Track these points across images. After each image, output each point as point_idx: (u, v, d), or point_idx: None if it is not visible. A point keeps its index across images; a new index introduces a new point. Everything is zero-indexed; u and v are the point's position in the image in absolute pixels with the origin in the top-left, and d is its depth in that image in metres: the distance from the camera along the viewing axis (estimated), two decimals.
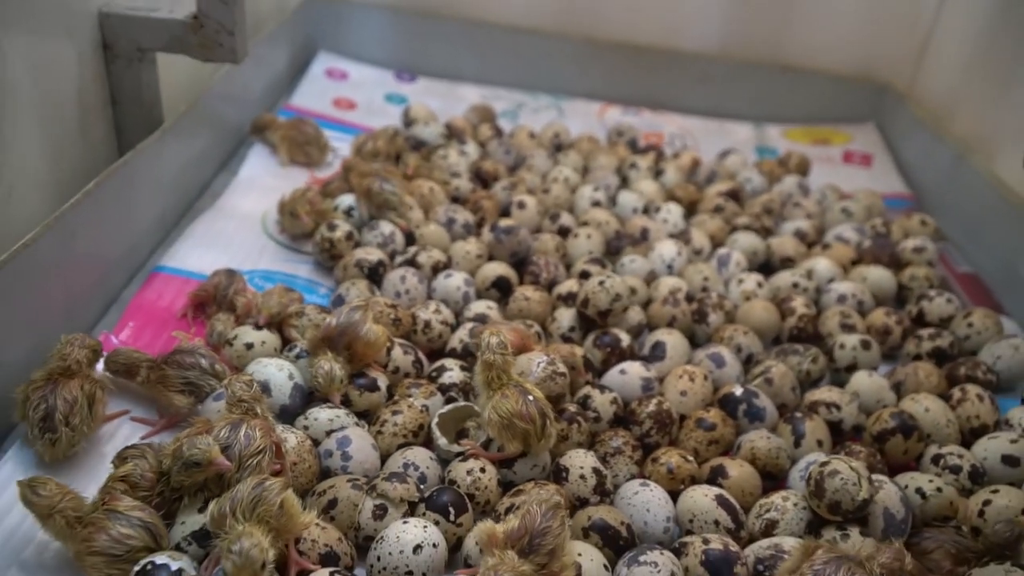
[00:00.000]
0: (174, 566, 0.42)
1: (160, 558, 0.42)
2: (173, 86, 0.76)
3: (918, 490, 0.53)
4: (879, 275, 0.75)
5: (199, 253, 0.69)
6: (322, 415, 0.54)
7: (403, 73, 1.11)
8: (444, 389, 0.58)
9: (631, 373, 0.61)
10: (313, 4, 1.08)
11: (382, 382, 0.57)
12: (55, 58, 0.62)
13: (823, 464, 0.51)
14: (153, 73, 0.69)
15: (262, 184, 0.81)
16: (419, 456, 0.52)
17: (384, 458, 0.53)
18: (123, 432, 0.53)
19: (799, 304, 0.70)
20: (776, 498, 0.52)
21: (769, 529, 0.51)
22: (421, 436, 0.55)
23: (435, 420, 0.55)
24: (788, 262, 0.78)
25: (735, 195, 0.87)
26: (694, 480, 0.54)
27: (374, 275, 0.68)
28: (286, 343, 0.60)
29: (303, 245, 0.74)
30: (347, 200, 0.76)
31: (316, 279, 0.71)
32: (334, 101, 1.02)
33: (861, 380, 0.63)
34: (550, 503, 0.44)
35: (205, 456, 0.44)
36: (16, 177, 0.58)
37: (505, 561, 0.41)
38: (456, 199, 0.82)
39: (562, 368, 0.57)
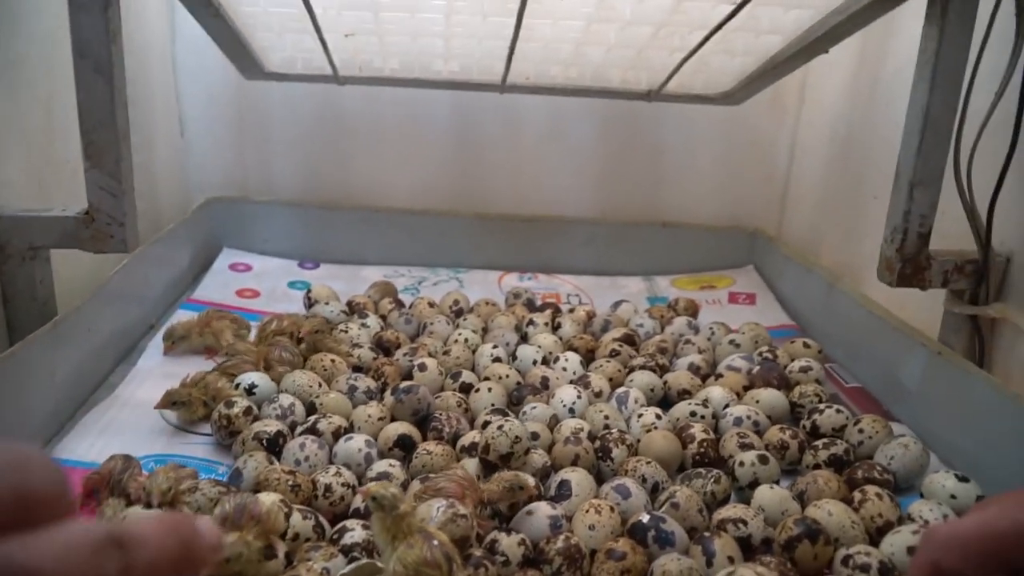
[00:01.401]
0: None
1: None
2: (71, 281, 0.77)
3: None
4: (771, 396, 0.78)
5: (92, 442, 0.67)
6: None
7: (306, 262, 1.15)
8: (347, 550, 0.56)
9: (538, 513, 0.61)
10: (214, 203, 1.13)
11: (280, 548, 0.55)
12: None
13: (730, 574, 0.50)
14: (47, 269, 0.70)
15: (162, 371, 0.80)
16: None
17: None
18: None
19: (698, 431, 0.72)
20: None
21: None
22: None
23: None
24: (685, 394, 0.80)
25: (630, 340, 0.91)
26: None
27: (273, 447, 0.67)
28: None
29: (200, 428, 0.73)
30: (249, 377, 0.76)
31: (214, 458, 0.69)
32: (237, 292, 1.04)
33: (764, 493, 0.64)
34: None
35: None
36: None
37: None
38: (358, 368, 0.83)
39: (463, 510, 0.56)
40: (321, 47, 0.86)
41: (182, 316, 0.90)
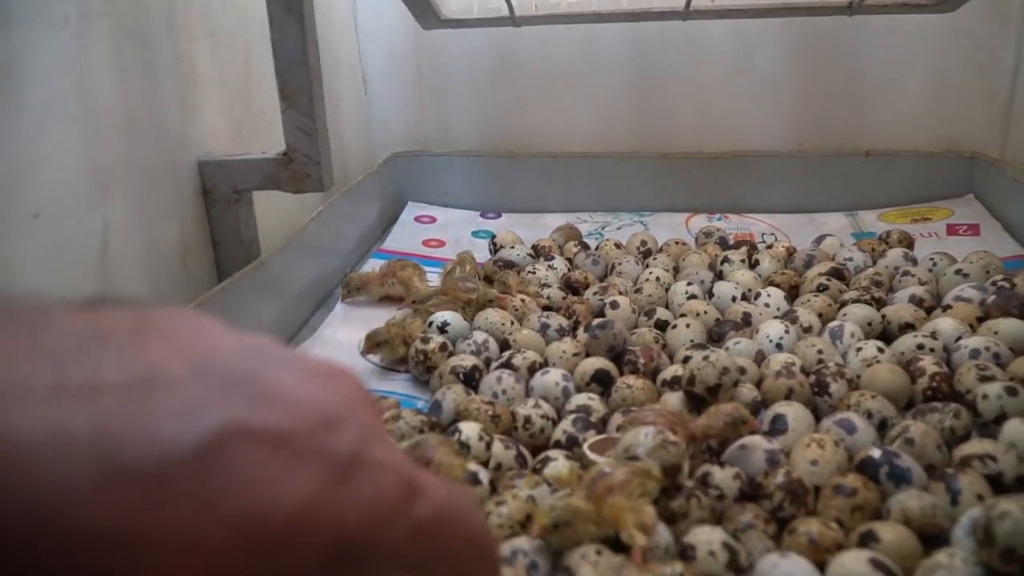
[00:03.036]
0: None
1: None
2: (272, 231, 0.80)
3: None
4: (1012, 325, 0.68)
5: None
6: None
7: (488, 212, 1.15)
8: (550, 480, 0.55)
9: (753, 446, 0.56)
10: (397, 158, 1.14)
11: (483, 475, 0.54)
12: (160, 204, 0.67)
13: (990, 508, 0.44)
14: (250, 212, 0.73)
15: (359, 315, 0.82)
16: (526, 543, 0.48)
17: None
18: None
19: (928, 363, 0.64)
20: (941, 556, 0.45)
21: None
22: (528, 527, 0.51)
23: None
24: (908, 328, 0.72)
25: (838, 274, 0.83)
26: (841, 549, 0.48)
27: (470, 380, 0.67)
28: None
29: (400, 364, 0.74)
30: (442, 316, 0.76)
31: (414, 394, 0.70)
32: (423, 242, 1.05)
33: (1015, 428, 0.56)
34: None
35: None
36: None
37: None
38: (548, 308, 0.81)
39: (673, 437, 0.53)
40: None
41: (373, 265, 0.91)
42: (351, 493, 0.23)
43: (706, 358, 0.61)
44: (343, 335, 0.79)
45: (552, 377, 0.66)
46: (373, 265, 0.92)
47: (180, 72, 0.69)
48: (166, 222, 0.67)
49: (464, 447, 0.56)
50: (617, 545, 0.48)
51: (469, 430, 0.57)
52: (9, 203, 0.49)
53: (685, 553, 0.47)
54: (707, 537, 0.47)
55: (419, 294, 0.82)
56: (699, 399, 0.62)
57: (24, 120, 0.51)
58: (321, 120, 0.68)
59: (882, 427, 0.60)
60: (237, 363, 0.23)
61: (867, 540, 0.48)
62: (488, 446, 0.57)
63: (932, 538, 0.49)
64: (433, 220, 1.12)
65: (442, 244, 1.05)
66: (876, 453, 0.54)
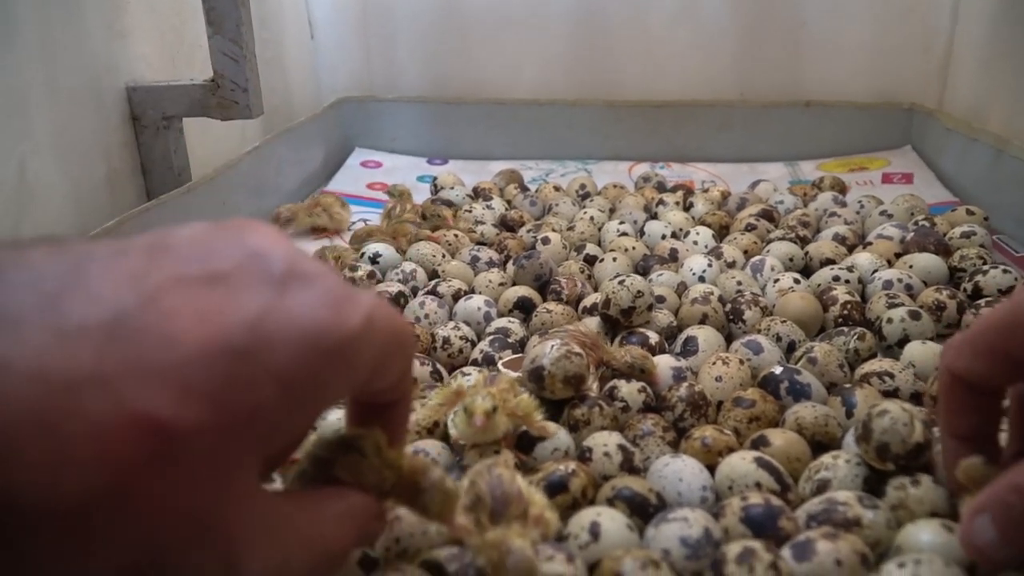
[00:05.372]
0: None
1: None
2: (208, 160, 0.80)
3: None
4: (927, 260, 0.70)
5: None
6: (332, 416, 0.52)
7: (434, 159, 1.15)
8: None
9: (661, 364, 0.57)
10: (344, 103, 1.14)
11: None
12: (84, 130, 0.66)
13: (872, 406, 0.46)
14: (180, 140, 0.73)
15: None
16: (431, 445, 0.49)
17: None
18: None
19: (841, 292, 0.66)
20: (826, 458, 0.47)
21: (821, 490, 0.45)
22: (437, 432, 0.52)
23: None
24: (828, 263, 0.74)
25: (768, 216, 0.85)
26: (732, 452, 0.49)
27: (394, 305, 0.68)
28: None
29: None
30: (374, 247, 0.77)
31: None
32: (368, 185, 1.05)
33: (914, 348, 0.58)
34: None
35: None
36: (46, 232, 0.61)
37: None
38: (481, 243, 0.82)
39: (578, 349, 0.54)
40: None
41: None
42: (298, 298, 0.26)
43: (621, 282, 0.63)
44: None
45: (475, 303, 0.67)
46: None
47: None
48: (91, 148, 0.67)
49: None
50: None
51: None
52: None
53: (583, 455, 0.49)
54: (603, 440, 0.49)
55: (361, 231, 0.83)
56: (614, 321, 0.63)
57: None
58: (249, 47, 0.68)
59: (790, 350, 0.62)
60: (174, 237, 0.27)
61: (758, 444, 0.49)
62: None
63: (823, 446, 0.51)
64: (379, 165, 1.12)
65: (386, 187, 1.05)
66: (778, 370, 0.56)
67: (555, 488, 0.44)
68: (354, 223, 0.91)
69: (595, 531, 0.40)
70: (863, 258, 0.72)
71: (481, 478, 0.41)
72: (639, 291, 0.62)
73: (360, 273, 0.71)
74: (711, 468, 0.48)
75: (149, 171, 0.72)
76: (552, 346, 0.53)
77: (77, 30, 0.66)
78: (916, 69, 1.06)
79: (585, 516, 0.41)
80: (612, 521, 0.41)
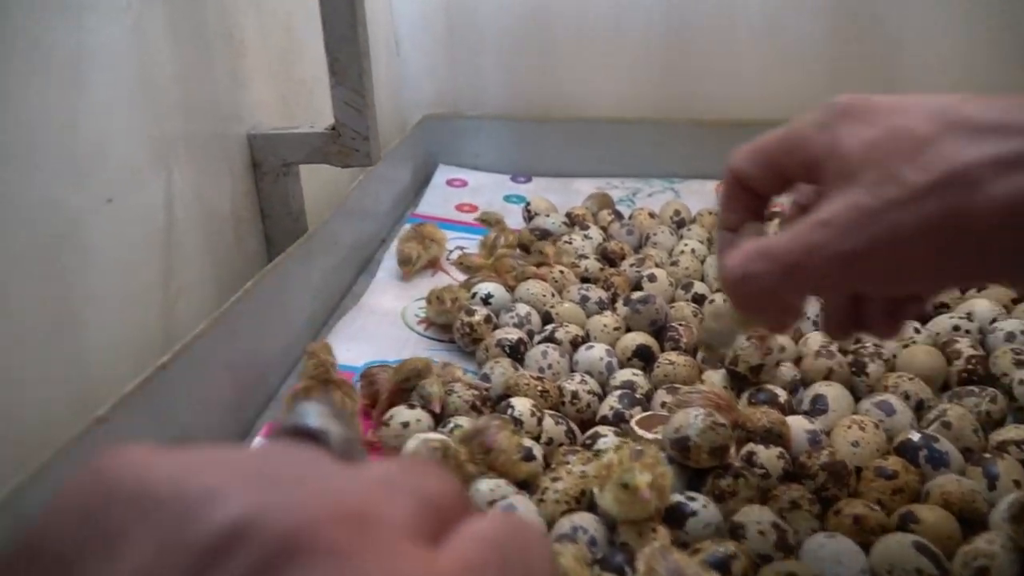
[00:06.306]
0: None
1: None
2: (314, 201, 0.81)
3: None
4: None
5: (348, 347, 0.71)
6: (483, 486, 0.53)
7: (518, 176, 1.15)
8: (601, 455, 0.57)
9: (794, 427, 0.58)
10: (429, 120, 1.15)
11: (537, 451, 0.56)
12: (214, 179, 0.68)
13: None
14: (297, 185, 0.74)
15: (399, 283, 0.84)
16: (586, 520, 0.51)
17: (549, 526, 0.52)
18: None
19: (964, 346, 0.66)
20: (981, 543, 0.47)
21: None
22: (584, 502, 0.53)
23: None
24: (943, 308, 0.74)
25: None
26: (884, 530, 0.50)
27: (515, 353, 0.69)
28: (438, 420, 0.61)
29: (442, 335, 0.76)
30: (484, 288, 0.78)
31: (460, 364, 0.72)
32: (456, 206, 1.06)
33: None
34: None
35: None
36: (183, 282, 0.63)
37: None
38: (586, 279, 0.82)
39: (722, 419, 0.55)
40: None
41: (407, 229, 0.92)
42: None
43: (749, 339, 0.63)
44: (387, 302, 0.81)
45: (596, 352, 0.68)
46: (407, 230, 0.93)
47: (231, 46, 0.69)
48: (221, 196, 0.68)
49: (517, 423, 0.58)
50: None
51: (521, 406, 0.59)
52: (84, 190, 0.50)
53: (735, 532, 0.50)
54: (756, 516, 0.50)
55: (469, 259, 0.85)
56: (741, 377, 0.63)
57: (93, 106, 0.51)
58: (370, 95, 0.69)
59: (919, 409, 0.62)
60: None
61: (907, 521, 0.50)
62: (539, 421, 0.59)
63: (968, 521, 0.51)
64: (464, 184, 1.13)
65: (474, 209, 1.06)
66: (915, 436, 0.56)
67: (716, 569, 0.45)
68: (451, 251, 0.92)
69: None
70: (981, 305, 0.71)
71: (658, 563, 0.42)
72: (768, 347, 0.62)
73: (478, 318, 0.72)
74: (863, 546, 0.49)
75: (268, 216, 0.74)
76: (697, 416, 0.54)
77: (207, 79, 0.67)
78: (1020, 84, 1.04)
79: None
80: None
